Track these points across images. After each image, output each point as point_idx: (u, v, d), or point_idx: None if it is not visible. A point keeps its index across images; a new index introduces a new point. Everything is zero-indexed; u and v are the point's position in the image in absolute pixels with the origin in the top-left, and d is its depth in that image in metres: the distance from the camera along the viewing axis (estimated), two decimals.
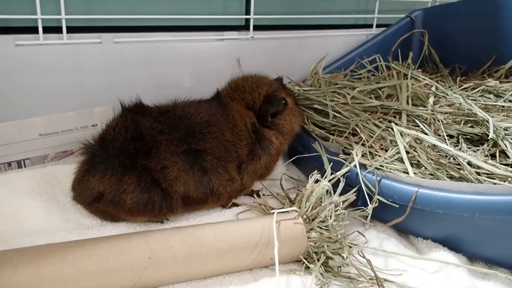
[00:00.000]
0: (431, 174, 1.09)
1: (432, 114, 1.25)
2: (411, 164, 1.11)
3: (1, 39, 1.12)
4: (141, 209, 1.01)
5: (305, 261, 0.94)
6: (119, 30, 1.31)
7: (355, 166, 1.07)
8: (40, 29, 1.17)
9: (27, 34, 1.18)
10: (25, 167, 1.19)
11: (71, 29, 1.22)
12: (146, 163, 1.00)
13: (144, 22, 1.35)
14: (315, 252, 0.96)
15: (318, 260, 0.93)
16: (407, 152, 1.13)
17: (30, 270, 0.77)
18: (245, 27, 1.50)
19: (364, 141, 1.17)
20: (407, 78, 1.41)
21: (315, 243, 0.96)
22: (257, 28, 1.50)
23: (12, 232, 0.98)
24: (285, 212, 0.98)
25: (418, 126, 1.22)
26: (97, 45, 1.24)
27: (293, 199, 1.10)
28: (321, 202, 1.01)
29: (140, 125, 1.02)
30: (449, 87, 1.45)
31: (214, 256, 0.89)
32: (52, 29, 1.20)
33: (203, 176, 1.04)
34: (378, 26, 1.78)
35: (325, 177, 1.03)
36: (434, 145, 1.16)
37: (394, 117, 1.26)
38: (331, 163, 1.09)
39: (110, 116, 1.27)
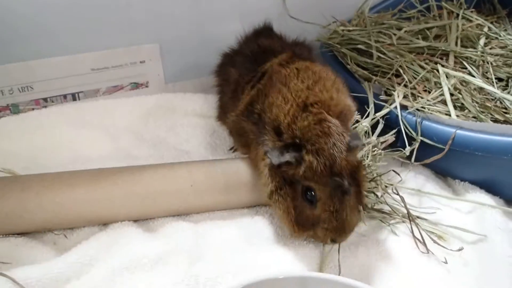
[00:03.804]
0: (474, 117, 1.07)
1: (482, 56, 1.20)
2: (455, 107, 1.09)
3: None
4: None
5: None
6: None
7: (395, 107, 1.07)
8: None
9: None
10: (79, 99, 1.27)
11: None
12: None
13: None
14: None
15: None
16: (451, 95, 1.11)
17: (85, 190, 0.85)
18: None
19: (407, 82, 1.15)
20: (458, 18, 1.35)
21: None
22: None
23: (69, 159, 1.07)
24: None
25: (466, 68, 1.19)
26: None
27: None
28: None
29: None
30: (505, 29, 1.38)
31: (252, 187, 0.94)
32: None
33: None
34: None
35: (365, 117, 1.04)
36: (481, 88, 1.13)
37: (442, 58, 1.22)
38: (362, 104, 1.08)
39: (157, 53, 1.32)
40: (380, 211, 0.95)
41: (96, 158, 1.08)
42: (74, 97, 1.26)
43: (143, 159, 1.08)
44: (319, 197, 0.79)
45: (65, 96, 1.25)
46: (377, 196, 0.97)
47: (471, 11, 1.45)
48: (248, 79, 0.98)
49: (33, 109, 1.22)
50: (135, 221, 0.90)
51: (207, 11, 1.35)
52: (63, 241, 0.86)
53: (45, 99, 1.23)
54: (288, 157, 0.78)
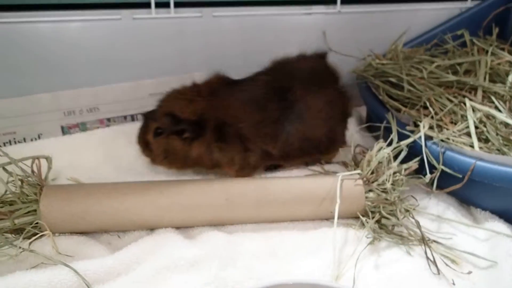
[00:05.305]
0: (497, 150, 1.12)
1: (510, 91, 1.25)
2: (480, 139, 1.15)
3: (121, 13, 1.34)
4: None
5: (362, 218, 1.06)
6: (218, 4, 1.47)
7: (420, 137, 1.14)
8: (153, 5, 1.37)
9: (139, 9, 1.38)
10: (137, 120, 1.44)
11: (177, 4, 1.41)
12: None
13: None
14: (371, 211, 1.06)
15: (373, 218, 1.05)
16: (476, 127, 1.17)
17: (135, 199, 0.99)
18: (332, 1, 1.58)
19: (434, 114, 1.22)
20: (491, 54, 1.41)
21: (372, 203, 1.07)
22: (344, 1, 1.56)
23: (124, 171, 1.23)
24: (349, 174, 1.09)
25: (493, 103, 1.24)
26: (198, 18, 1.42)
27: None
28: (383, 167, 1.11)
29: None
30: None
31: (280, 204, 1.04)
32: (160, 4, 1.39)
33: None
34: None
35: (388, 145, 1.12)
36: (506, 123, 1.17)
37: (470, 92, 1.28)
38: (391, 133, 1.16)
39: None
40: (397, 233, 1.03)
41: (147, 172, 1.23)
42: (133, 118, 1.43)
43: (186, 176, 1.22)
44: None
45: (125, 117, 1.43)
46: (397, 218, 1.05)
47: (504, 47, 1.49)
48: None
49: (98, 127, 1.40)
50: (177, 228, 1.03)
51: (252, 42, 1.49)
52: (116, 241, 1.01)
53: (108, 119, 1.41)
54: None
